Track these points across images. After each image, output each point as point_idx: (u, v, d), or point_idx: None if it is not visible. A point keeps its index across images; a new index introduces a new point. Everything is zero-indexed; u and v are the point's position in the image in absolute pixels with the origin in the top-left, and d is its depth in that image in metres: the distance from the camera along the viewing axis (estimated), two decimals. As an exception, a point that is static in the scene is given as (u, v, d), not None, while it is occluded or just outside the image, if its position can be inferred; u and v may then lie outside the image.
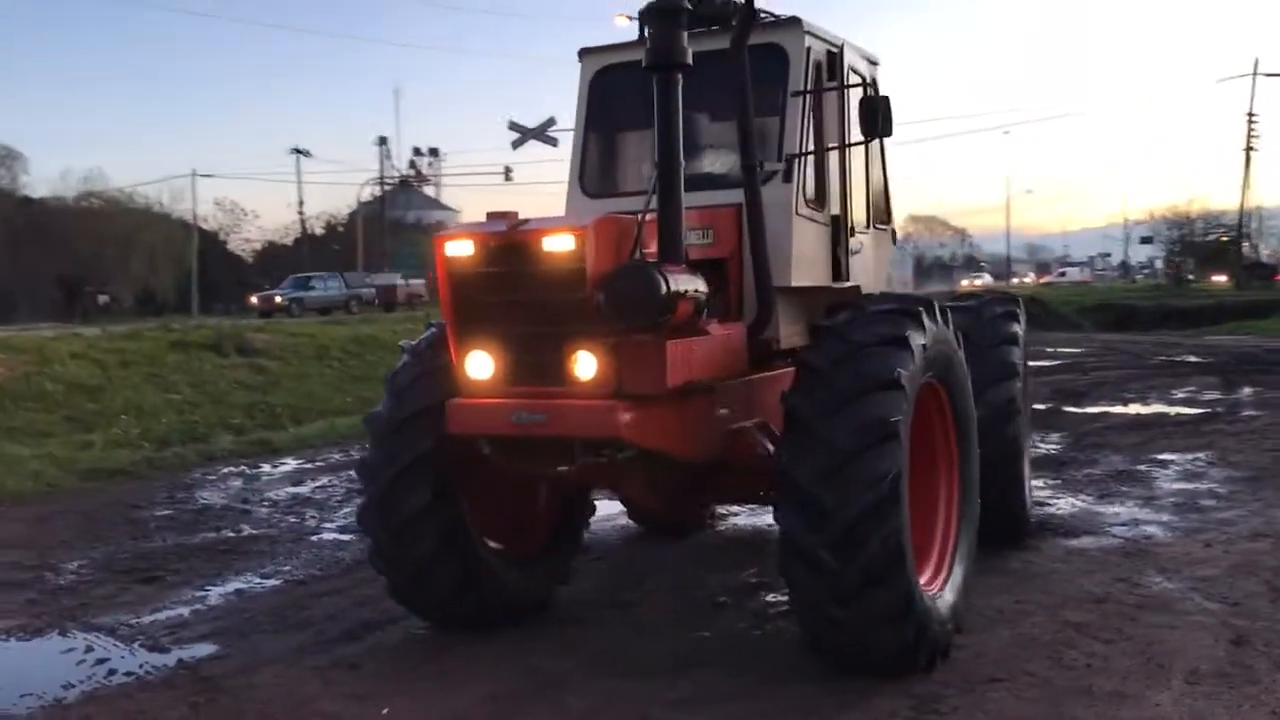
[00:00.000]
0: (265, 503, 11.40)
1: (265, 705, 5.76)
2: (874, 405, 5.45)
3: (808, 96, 6.76)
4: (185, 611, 7.56)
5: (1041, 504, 10.23)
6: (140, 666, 6.43)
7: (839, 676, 5.74)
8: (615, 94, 7.38)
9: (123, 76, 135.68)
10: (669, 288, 5.32)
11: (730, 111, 7.21)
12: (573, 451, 5.69)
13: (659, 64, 5.67)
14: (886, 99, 6.59)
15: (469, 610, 6.69)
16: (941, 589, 6.07)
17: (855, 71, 7.46)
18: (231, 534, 9.98)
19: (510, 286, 5.63)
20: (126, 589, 8.17)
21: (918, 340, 5.74)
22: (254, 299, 48.76)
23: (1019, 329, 8.50)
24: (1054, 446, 13.45)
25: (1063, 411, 16.67)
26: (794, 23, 6.85)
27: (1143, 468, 11.84)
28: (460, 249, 5.66)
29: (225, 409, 17.54)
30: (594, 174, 7.56)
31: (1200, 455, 12.49)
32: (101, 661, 6.54)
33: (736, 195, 6.55)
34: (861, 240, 7.47)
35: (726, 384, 6.20)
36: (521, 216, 5.68)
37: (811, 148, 6.83)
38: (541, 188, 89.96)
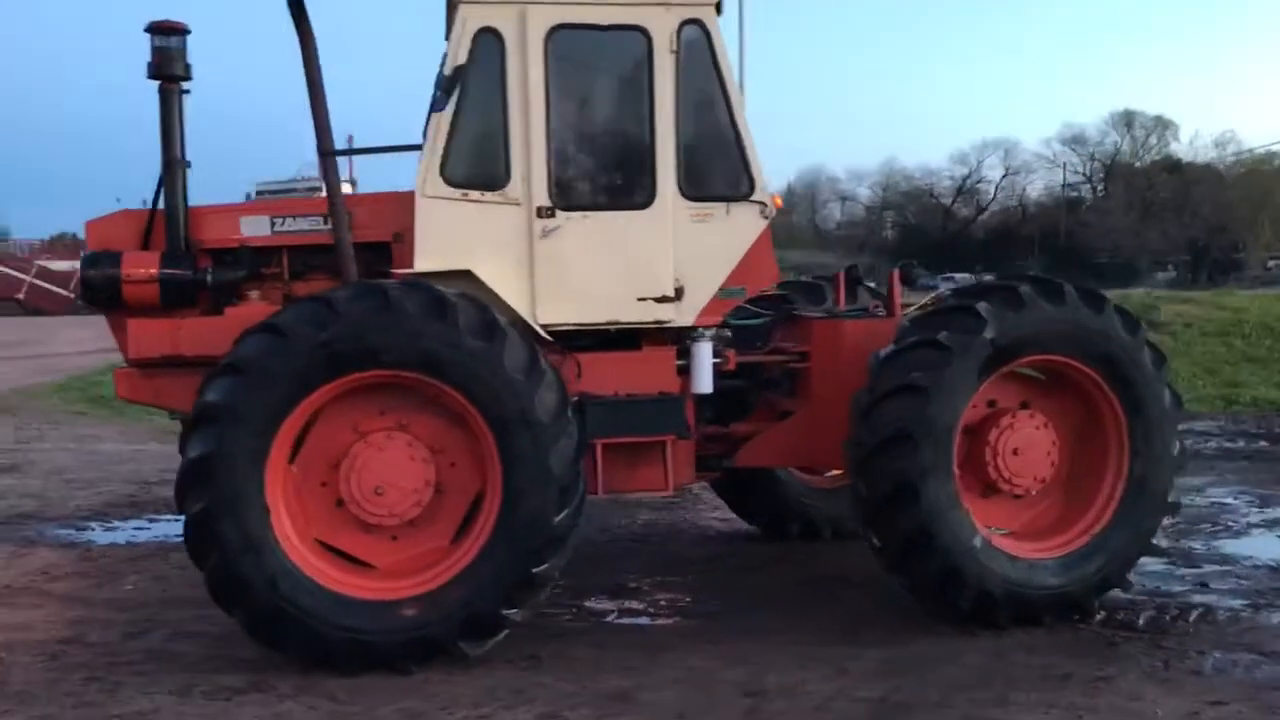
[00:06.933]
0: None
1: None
2: (196, 440, 5.68)
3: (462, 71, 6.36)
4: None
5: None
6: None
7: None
8: None
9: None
10: (105, 273, 6.15)
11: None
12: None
13: (158, 76, 6.31)
14: (456, 71, 6.22)
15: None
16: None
17: (578, 27, 6.50)
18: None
19: None
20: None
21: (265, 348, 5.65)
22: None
23: (948, 337, 6.39)
24: None
25: None
26: None
27: None
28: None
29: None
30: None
31: None
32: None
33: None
34: (570, 220, 6.43)
35: None
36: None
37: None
38: None
